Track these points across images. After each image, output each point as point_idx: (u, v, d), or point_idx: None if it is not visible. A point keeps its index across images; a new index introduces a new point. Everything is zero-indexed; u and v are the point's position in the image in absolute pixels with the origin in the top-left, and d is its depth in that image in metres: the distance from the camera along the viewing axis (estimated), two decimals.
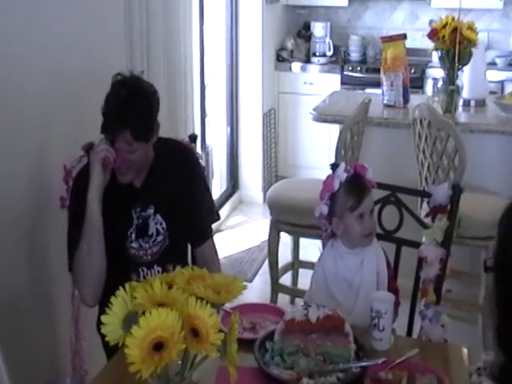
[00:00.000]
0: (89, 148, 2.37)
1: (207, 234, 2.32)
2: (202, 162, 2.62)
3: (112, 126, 2.03)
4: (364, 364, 1.71)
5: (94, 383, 1.77)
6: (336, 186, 2.10)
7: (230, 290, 1.29)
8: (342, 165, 2.14)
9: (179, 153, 2.27)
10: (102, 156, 2.04)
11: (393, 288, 2.08)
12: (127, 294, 1.25)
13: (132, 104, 2.02)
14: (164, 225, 2.19)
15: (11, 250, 2.29)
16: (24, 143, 2.31)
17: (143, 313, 1.20)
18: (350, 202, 2.07)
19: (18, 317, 2.33)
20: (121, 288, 1.27)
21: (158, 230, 2.19)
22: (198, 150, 2.76)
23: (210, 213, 2.36)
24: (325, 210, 2.13)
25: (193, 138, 2.61)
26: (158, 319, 1.17)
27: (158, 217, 2.18)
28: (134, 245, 2.18)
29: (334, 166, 2.27)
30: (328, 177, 2.14)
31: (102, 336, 2.15)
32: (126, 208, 2.15)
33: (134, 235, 2.17)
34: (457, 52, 3.53)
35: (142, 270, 2.18)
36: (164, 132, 2.96)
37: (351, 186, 2.09)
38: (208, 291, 1.25)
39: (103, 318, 1.24)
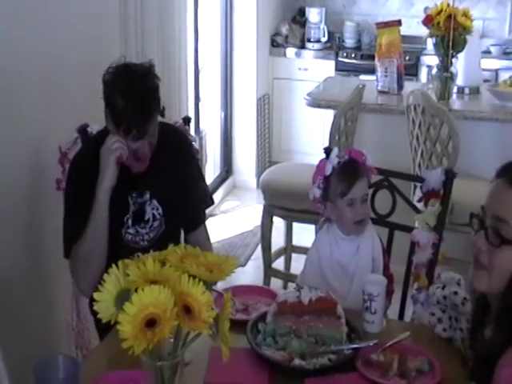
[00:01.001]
0: (83, 130, 2.37)
1: (200, 220, 2.31)
2: (196, 145, 2.61)
3: (136, 122, 1.97)
4: (356, 346, 1.71)
5: (86, 361, 1.77)
6: (328, 170, 2.10)
7: (223, 268, 1.29)
8: (336, 149, 2.13)
9: (174, 138, 2.24)
10: (117, 155, 1.99)
11: (387, 275, 2.09)
12: (120, 272, 1.25)
13: (147, 94, 1.99)
14: (160, 210, 2.18)
15: (8, 229, 2.30)
16: (19, 126, 2.31)
17: (136, 290, 1.20)
18: (341, 188, 2.07)
19: (13, 296, 2.34)
20: (113, 265, 1.27)
21: (154, 215, 2.18)
22: (192, 133, 2.74)
23: (204, 198, 2.35)
24: (317, 193, 2.13)
25: (186, 120, 2.61)
26: (151, 296, 1.16)
27: (154, 202, 2.17)
28: (131, 230, 2.16)
29: (328, 151, 2.27)
30: (321, 161, 2.14)
31: (95, 315, 2.17)
32: (123, 194, 2.12)
33: (130, 221, 2.16)
34: (451, 38, 3.53)
35: (138, 256, 2.16)
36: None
37: (342, 172, 2.09)
38: (201, 269, 1.25)
39: (96, 295, 1.24)
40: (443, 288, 1.80)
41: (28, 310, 2.42)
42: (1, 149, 2.21)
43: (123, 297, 1.23)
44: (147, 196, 2.16)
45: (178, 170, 2.20)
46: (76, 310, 2.32)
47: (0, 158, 2.21)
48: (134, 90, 1.96)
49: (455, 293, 1.77)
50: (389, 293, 1.99)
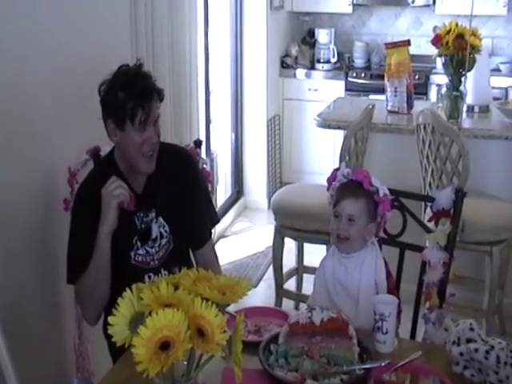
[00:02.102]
0: (94, 153, 2.40)
1: (206, 238, 2.34)
2: (207, 168, 2.64)
3: (139, 103, 2.02)
4: (367, 366, 1.72)
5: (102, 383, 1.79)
6: (336, 182, 2.16)
7: (235, 290, 1.31)
8: (343, 165, 2.20)
9: (178, 157, 2.27)
10: (119, 201, 2.02)
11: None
12: (134, 296, 1.27)
13: (144, 79, 2.06)
14: (167, 228, 2.19)
15: (16, 251, 2.31)
16: (29, 144, 2.33)
17: (150, 313, 1.21)
18: (334, 199, 2.14)
19: (25, 319, 2.35)
20: (127, 289, 1.29)
21: (161, 233, 2.19)
22: (203, 155, 2.76)
23: (209, 216, 2.37)
24: (328, 199, 2.19)
25: (198, 143, 2.64)
26: (165, 319, 1.18)
27: (161, 219, 2.18)
28: (141, 251, 2.18)
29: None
30: (333, 171, 2.20)
31: (109, 339, 2.18)
32: (129, 216, 2.13)
33: (139, 242, 2.17)
34: (460, 58, 3.55)
35: (149, 277, 2.17)
36: (169, 138, 3.00)
37: (341, 185, 2.14)
38: (213, 292, 1.27)
39: (110, 319, 1.26)
40: (458, 344, 1.75)
41: (40, 333, 2.43)
42: (12, 167, 2.23)
43: (137, 320, 1.25)
44: (153, 214, 2.17)
45: (183, 189, 2.22)
46: (78, 332, 2.34)
47: (8, 177, 2.24)
48: (131, 80, 2.04)
49: (476, 350, 1.70)
50: (397, 312, 1.99)
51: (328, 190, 2.19)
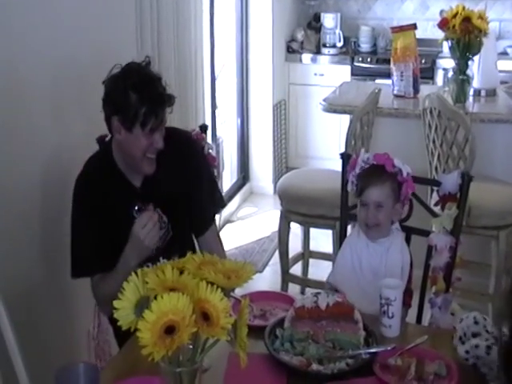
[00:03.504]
0: (102, 140, 2.38)
1: (208, 223, 2.32)
2: (213, 153, 2.62)
3: (153, 109, 1.98)
4: (373, 350, 1.72)
5: (106, 369, 1.80)
6: (358, 168, 2.15)
7: (240, 275, 1.31)
8: (363, 151, 2.17)
9: (180, 142, 2.22)
10: (155, 241, 2.01)
11: (408, 289, 2.10)
12: (139, 280, 1.27)
13: (157, 82, 2.03)
14: (165, 218, 2.16)
15: (24, 240, 2.33)
16: (31, 136, 2.33)
17: (155, 298, 1.22)
18: (358, 188, 2.12)
19: (33, 306, 2.37)
20: (133, 273, 1.29)
21: (159, 224, 2.15)
22: (209, 140, 2.76)
23: (212, 201, 2.35)
24: (349, 187, 2.19)
25: (203, 128, 2.63)
26: (170, 303, 1.18)
27: (158, 211, 2.13)
28: None
29: (344, 156, 2.29)
30: (352, 159, 2.19)
31: (114, 324, 2.18)
32: (127, 208, 2.11)
33: None
34: (467, 41, 3.52)
35: (147, 266, 2.15)
36: (175, 123, 2.99)
37: (363, 173, 2.13)
38: (218, 276, 1.27)
39: (115, 303, 1.26)
40: (463, 342, 1.71)
41: (48, 320, 2.45)
42: (13, 159, 2.23)
43: (142, 304, 1.25)
44: (151, 207, 2.12)
45: (183, 172, 2.19)
46: (98, 321, 2.34)
47: (12, 168, 2.24)
48: (145, 81, 2.00)
49: (476, 346, 1.67)
50: (406, 306, 1.99)
51: (348, 178, 2.18)
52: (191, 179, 2.21)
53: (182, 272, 1.30)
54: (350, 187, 2.19)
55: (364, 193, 2.09)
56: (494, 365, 1.65)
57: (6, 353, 1.71)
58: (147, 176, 2.13)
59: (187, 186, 2.20)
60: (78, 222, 2.13)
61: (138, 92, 1.97)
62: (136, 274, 1.29)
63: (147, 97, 1.98)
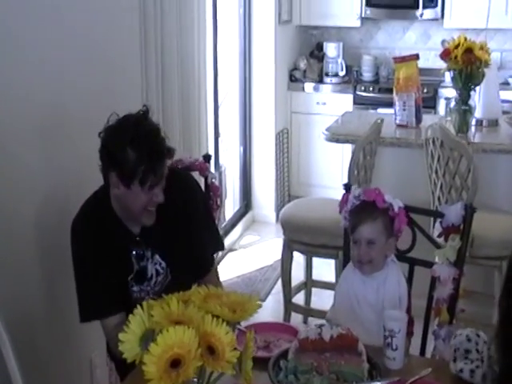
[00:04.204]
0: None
1: (210, 266, 2.26)
2: (216, 182, 2.64)
3: (152, 167, 1.93)
4: (377, 383, 1.71)
5: None
6: (349, 205, 2.14)
7: (246, 308, 1.31)
8: (354, 187, 2.17)
9: (176, 187, 2.11)
10: None
11: (408, 318, 2.09)
12: (144, 312, 1.27)
13: (155, 136, 1.97)
14: (163, 264, 2.15)
15: (29, 269, 2.34)
16: (28, 182, 2.34)
17: (160, 331, 1.22)
18: (350, 225, 2.12)
19: (35, 336, 2.36)
20: (138, 306, 1.29)
21: (157, 270, 2.15)
22: (212, 169, 2.77)
23: (212, 242, 2.31)
24: (342, 222, 2.19)
25: (207, 158, 2.64)
26: (175, 337, 1.19)
27: (157, 257, 2.14)
28: (135, 289, 2.14)
29: (347, 187, 2.30)
30: (344, 194, 2.19)
31: (115, 359, 2.15)
32: (126, 254, 2.11)
33: (133, 281, 2.14)
34: (475, 72, 3.54)
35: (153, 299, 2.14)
36: (178, 152, 3.01)
37: (354, 210, 2.13)
38: (224, 309, 1.27)
39: (121, 336, 1.26)
40: (454, 360, 1.79)
41: (49, 347, 2.44)
42: (6, 203, 2.22)
43: (148, 337, 1.25)
44: (149, 254, 2.13)
45: (181, 219, 2.14)
46: (110, 366, 2.32)
47: (23, 195, 2.25)
48: (143, 136, 1.94)
49: (461, 370, 1.76)
50: (408, 334, 1.99)
51: (340, 212, 2.18)
52: (190, 224, 2.17)
53: (187, 305, 1.30)
54: (343, 223, 2.19)
55: (356, 230, 2.09)
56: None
57: (8, 380, 1.70)
58: None
59: (186, 232, 2.15)
60: (79, 266, 2.10)
61: (136, 149, 1.91)
62: (141, 306, 1.29)
63: (146, 154, 1.92)
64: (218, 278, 2.33)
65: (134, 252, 2.11)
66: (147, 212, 2.04)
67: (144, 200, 1.99)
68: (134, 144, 1.92)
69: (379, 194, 2.11)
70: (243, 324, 1.88)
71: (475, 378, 1.71)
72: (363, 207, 2.11)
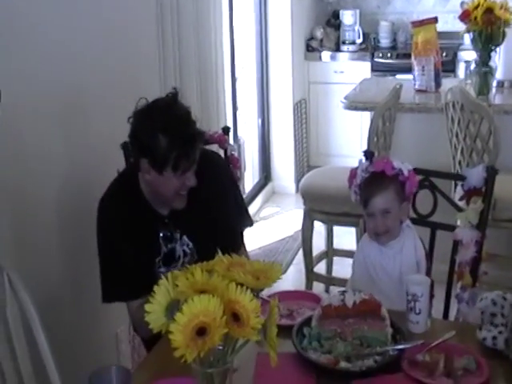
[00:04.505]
0: (126, 146, 2.37)
1: (238, 244, 2.24)
2: (235, 154, 2.65)
3: (185, 153, 1.91)
4: (401, 347, 1.72)
5: (138, 370, 1.83)
6: (358, 179, 2.14)
7: (269, 275, 1.33)
8: (361, 162, 2.16)
9: (204, 166, 2.06)
10: None
11: None
12: (169, 283, 1.29)
13: (186, 121, 1.94)
14: (191, 245, 2.13)
15: (53, 246, 2.37)
16: (65, 147, 2.38)
17: (185, 300, 1.23)
18: (363, 199, 2.12)
19: (62, 311, 2.41)
20: (163, 277, 1.31)
21: (184, 251, 2.13)
22: (231, 141, 2.78)
23: (241, 220, 2.30)
24: (353, 197, 2.18)
25: (226, 130, 2.65)
26: (200, 305, 1.20)
27: (185, 238, 2.12)
28: (163, 269, 2.11)
29: (368, 153, 2.29)
30: (352, 169, 2.18)
31: (138, 333, 2.15)
32: (154, 236, 2.09)
33: (161, 262, 2.12)
34: (495, 32, 3.48)
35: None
36: (197, 125, 3.02)
37: (365, 183, 2.13)
38: (247, 277, 1.29)
39: (147, 307, 1.28)
40: (480, 329, 1.78)
41: (77, 325, 2.49)
42: (48, 171, 2.27)
43: (173, 307, 1.27)
44: (177, 235, 2.11)
45: (210, 199, 2.12)
46: (132, 327, 2.36)
47: (46, 181, 2.28)
48: (174, 122, 1.91)
49: (484, 339, 1.74)
50: (430, 297, 1.99)
51: (350, 188, 2.17)
52: (220, 205, 2.15)
53: (211, 274, 1.32)
54: (353, 198, 2.18)
55: (369, 203, 2.08)
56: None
57: (39, 356, 1.74)
58: None
59: (216, 212, 2.13)
60: (104, 250, 2.08)
61: (167, 135, 1.88)
62: (166, 277, 1.31)
63: (178, 140, 1.88)
64: (246, 256, 2.27)
65: (161, 234, 2.10)
66: (179, 196, 2.02)
67: (176, 185, 1.97)
68: (165, 130, 1.88)
69: (387, 163, 2.10)
70: (266, 293, 1.91)
71: (498, 344, 1.70)
72: (373, 179, 2.10)
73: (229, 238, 2.16)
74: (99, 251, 2.09)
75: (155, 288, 1.30)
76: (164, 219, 2.10)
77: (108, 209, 2.08)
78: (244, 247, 2.32)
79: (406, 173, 2.10)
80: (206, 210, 2.11)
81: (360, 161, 2.17)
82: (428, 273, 2.11)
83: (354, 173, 2.16)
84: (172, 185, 1.97)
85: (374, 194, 2.07)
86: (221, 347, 1.28)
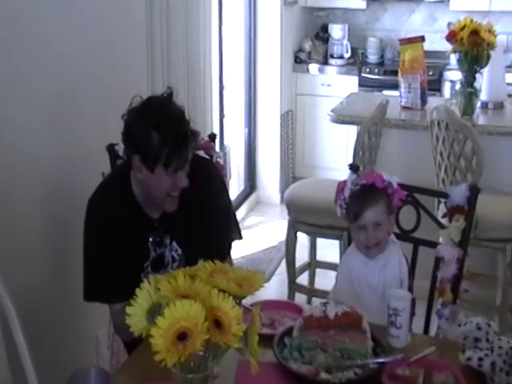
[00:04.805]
0: (111, 149, 2.35)
1: (224, 254, 2.20)
2: (221, 162, 2.64)
3: (177, 150, 1.90)
4: (381, 360, 1.73)
5: (118, 374, 1.81)
6: (346, 192, 2.13)
7: (252, 283, 1.33)
8: (351, 175, 2.15)
9: (197, 172, 2.05)
10: None
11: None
12: (151, 287, 1.29)
13: (180, 119, 1.95)
14: (179, 251, 2.12)
15: (35, 244, 2.35)
16: (51, 147, 2.36)
17: (167, 305, 1.23)
18: (353, 212, 2.10)
19: (42, 311, 2.38)
20: (145, 281, 1.30)
21: (173, 257, 2.12)
22: (217, 149, 2.77)
23: (230, 232, 2.28)
24: (339, 213, 2.17)
25: (212, 137, 2.64)
26: (182, 310, 1.20)
27: (174, 244, 2.11)
28: (151, 275, 2.08)
29: (353, 167, 2.29)
30: (340, 182, 2.17)
31: (119, 334, 2.14)
32: (143, 241, 2.08)
33: (150, 268, 2.10)
34: (481, 54, 3.53)
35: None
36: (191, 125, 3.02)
37: (355, 196, 2.11)
38: (230, 284, 1.28)
39: (128, 310, 1.28)
40: (463, 352, 1.74)
41: (57, 325, 2.46)
42: (14, 173, 2.23)
43: (154, 311, 1.26)
44: (167, 241, 2.10)
45: (201, 205, 2.10)
46: (113, 330, 2.34)
47: (31, 180, 2.27)
48: (167, 119, 1.91)
49: (469, 359, 1.70)
50: (410, 315, 2.00)
51: (336, 202, 2.16)
52: (211, 213, 2.13)
53: (193, 279, 1.31)
54: (338, 212, 2.16)
55: (361, 216, 2.07)
56: (487, 377, 1.66)
57: (17, 357, 1.72)
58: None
59: (206, 220, 2.11)
60: (90, 249, 2.06)
61: (160, 132, 1.88)
62: (148, 281, 1.30)
63: (170, 137, 1.89)
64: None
65: (151, 239, 2.08)
66: (170, 197, 2.00)
67: (168, 184, 1.95)
68: (159, 127, 1.88)
69: (377, 175, 2.10)
70: (248, 302, 1.90)
71: (483, 366, 1.67)
72: (364, 192, 2.09)
73: (216, 246, 2.14)
74: (85, 250, 2.07)
75: (137, 291, 1.29)
76: (154, 223, 2.08)
77: (99, 210, 2.06)
78: (230, 258, 2.30)
79: (395, 186, 2.10)
80: (197, 215, 2.09)
81: (350, 174, 2.16)
82: (410, 289, 2.11)
83: (342, 186, 2.15)
84: (163, 184, 1.95)
85: (365, 206, 2.07)
86: (202, 353, 1.28)
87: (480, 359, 1.68)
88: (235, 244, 2.33)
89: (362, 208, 2.07)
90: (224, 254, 2.19)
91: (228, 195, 2.33)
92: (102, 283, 2.05)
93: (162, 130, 1.89)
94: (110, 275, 2.03)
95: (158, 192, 1.98)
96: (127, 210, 2.05)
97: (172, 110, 1.95)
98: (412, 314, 2.11)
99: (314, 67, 5.67)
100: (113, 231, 2.02)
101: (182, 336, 1.19)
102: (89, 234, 2.07)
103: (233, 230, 2.31)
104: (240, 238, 2.36)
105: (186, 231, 2.10)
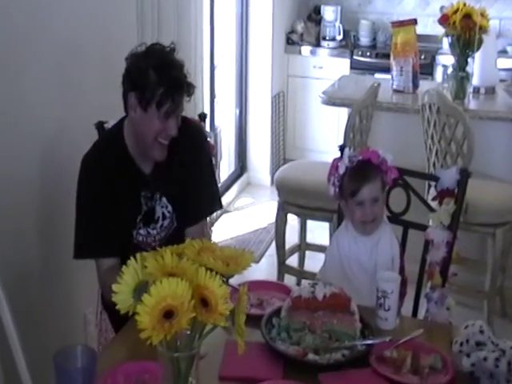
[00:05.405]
0: (101, 126, 2.36)
1: (201, 216, 2.28)
2: (211, 141, 2.62)
3: (171, 92, 1.97)
4: (369, 342, 1.73)
5: (104, 352, 1.80)
6: (341, 169, 2.12)
7: (239, 262, 1.31)
8: (347, 150, 2.14)
9: (190, 133, 2.18)
10: None
11: (402, 278, 2.10)
12: (138, 264, 1.27)
13: (178, 68, 2.02)
14: (170, 208, 2.17)
15: (23, 223, 2.33)
16: (31, 121, 2.33)
17: (154, 282, 1.21)
18: (351, 188, 2.09)
19: (29, 289, 2.37)
20: (132, 258, 1.29)
21: (163, 213, 2.17)
22: (207, 129, 2.75)
23: (212, 197, 2.31)
24: (331, 191, 2.15)
25: (202, 116, 2.63)
26: (169, 288, 1.18)
27: (164, 200, 2.16)
28: (142, 231, 2.15)
29: (343, 148, 2.28)
30: (335, 159, 2.16)
31: (109, 311, 2.16)
32: (135, 195, 2.12)
33: (141, 223, 2.15)
34: (467, 38, 3.52)
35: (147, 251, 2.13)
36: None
37: (353, 172, 2.11)
38: (217, 262, 1.27)
39: (114, 287, 1.26)
40: (468, 355, 1.62)
41: (44, 303, 2.45)
42: (14, 144, 2.23)
43: (141, 289, 1.25)
44: (157, 196, 2.15)
45: (191, 163, 2.18)
46: (100, 308, 2.33)
47: (13, 154, 2.24)
48: (166, 64, 1.99)
49: (485, 359, 1.59)
50: (401, 295, 1.99)
51: (329, 180, 2.15)
52: (198, 171, 2.21)
53: (181, 257, 1.29)
54: (331, 190, 2.15)
55: (358, 192, 2.07)
56: (501, 377, 1.58)
57: (3, 335, 1.71)
58: (157, 163, 2.11)
59: (194, 178, 2.18)
60: (84, 204, 2.10)
61: (157, 72, 1.97)
62: (135, 258, 1.29)
63: (166, 78, 1.97)
64: (202, 232, 2.27)
65: (143, 193, 2.13)
66: (159, 144, 2.05)
67: (158, 127, 2.01)
68: (157, 68, 1.97)
69: (374, 151, 2.12)
70: (236, 282, 1.89)
71: (500, 368, 1.57)
72: (361, 168, 2.09)
73: (193, 208, 2.20)
74: (78, 206, 2.11)
75: (123, 268, 1.27)
76: (146, 177, 2.13)
77: (92, 163, 2.11)
78: (204, 224, 2.34)
79: (389, 162, 2.11)
80: (184, 174, 2.16)
81: (346, 151, 2.15)
82: (402, 270, 2.11)
83: (336, 163, 2.14)
84: (154, 126, 2.01)
85: (363, 182, 2.07)
86: (188, 332, 1.26)
87: (497, 359, 1.58)
88: (225, 224, 2.34)
89: (359, 184, 2.07)
90: (200, 217, 2.27)
91: (212, 164, 2.39)
92: (94, 238, 2.09)
93: (160, 71, 1.97)
94: (102, 230, 2.07)
95: (148, 134, 2.03)
96: (120, 165, 2.11)
97: (173, 58, 2.04)
98: (404, 293, 2.10)
99: (306, 49, 5.63)
100: (106, 186, 2.07)
101: (168, 314, 1.18)
102: (82, 190, 2.11)
103: (214, 197, 2.34)
104: (220, 207, 2.41)
105: (173, 188, 2.16)
